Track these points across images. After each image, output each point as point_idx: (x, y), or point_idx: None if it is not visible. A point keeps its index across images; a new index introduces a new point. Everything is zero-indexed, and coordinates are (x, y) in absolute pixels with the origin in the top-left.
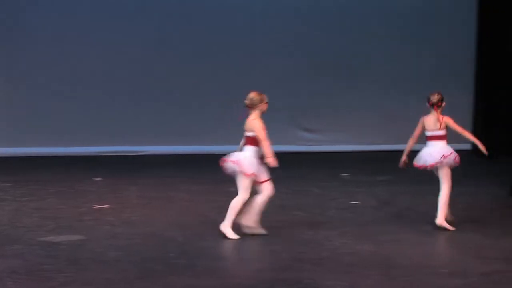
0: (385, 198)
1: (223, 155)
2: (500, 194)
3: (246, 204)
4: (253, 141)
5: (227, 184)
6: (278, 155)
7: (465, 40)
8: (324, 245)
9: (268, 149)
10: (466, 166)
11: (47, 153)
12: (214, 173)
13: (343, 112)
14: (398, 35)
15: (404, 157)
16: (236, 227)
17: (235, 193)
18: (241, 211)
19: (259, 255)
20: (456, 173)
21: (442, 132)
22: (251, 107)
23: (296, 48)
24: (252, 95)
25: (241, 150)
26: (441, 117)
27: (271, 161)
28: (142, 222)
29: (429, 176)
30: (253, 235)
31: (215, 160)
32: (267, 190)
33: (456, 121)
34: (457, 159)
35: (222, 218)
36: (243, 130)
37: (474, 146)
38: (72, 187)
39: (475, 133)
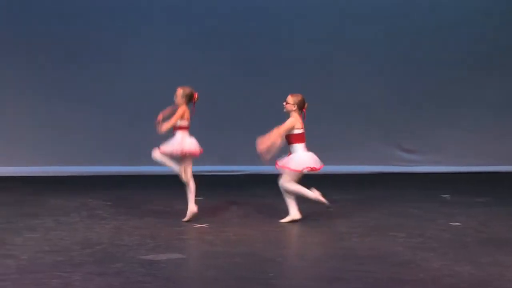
0: (485, 219)
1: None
2: None
3: None
4: None
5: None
6: (376, 175)
7: None
8: (421, 266)
9: None
10: None
11: (141, 171)
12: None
13: (442, 132)
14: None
15: None
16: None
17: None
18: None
19: (353, 274)
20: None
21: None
22: None
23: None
24: None
25: None
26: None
27: None
28: (242, 242)
29: None
30: None
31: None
32: None
33: None
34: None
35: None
36: None
37: None
38: (169, 206)
39: None
